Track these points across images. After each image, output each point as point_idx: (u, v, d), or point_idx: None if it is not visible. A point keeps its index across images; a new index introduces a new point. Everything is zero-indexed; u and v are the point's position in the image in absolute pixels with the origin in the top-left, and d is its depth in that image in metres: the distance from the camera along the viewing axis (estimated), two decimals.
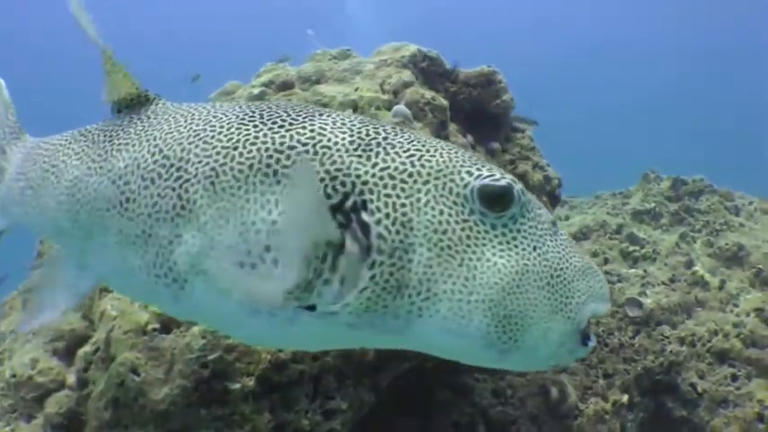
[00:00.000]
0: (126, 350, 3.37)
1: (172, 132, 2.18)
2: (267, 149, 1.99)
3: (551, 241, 1.97)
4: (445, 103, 4.34)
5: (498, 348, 1.89)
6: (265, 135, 2.03)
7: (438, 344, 1.95)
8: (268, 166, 1.97)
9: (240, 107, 2.20)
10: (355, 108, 4.21)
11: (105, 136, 2.36)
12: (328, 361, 3.48)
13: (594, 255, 6.34)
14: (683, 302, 5.54)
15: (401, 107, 4.00)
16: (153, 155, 2.15)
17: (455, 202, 1.90)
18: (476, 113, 5.04)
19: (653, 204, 6.97)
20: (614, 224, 6.71)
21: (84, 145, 2.40)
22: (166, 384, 3.26)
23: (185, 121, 2.19)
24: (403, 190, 1.91)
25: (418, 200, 1.91)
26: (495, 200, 1.90)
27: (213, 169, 2.01)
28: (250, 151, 2.00)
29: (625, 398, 5.04)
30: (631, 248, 6.34)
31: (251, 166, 1.98)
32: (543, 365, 2.02)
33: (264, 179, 1.96)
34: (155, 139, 2.18)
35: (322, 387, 3.46)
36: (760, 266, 6.00)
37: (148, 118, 2.32)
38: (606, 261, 6.29)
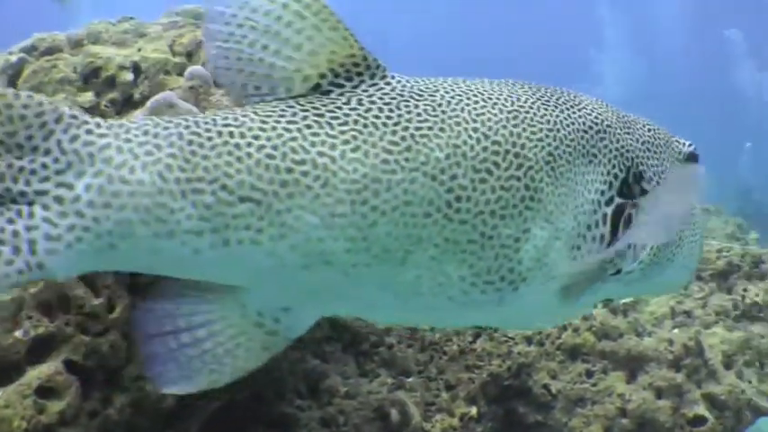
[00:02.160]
0: None
1: (482, 113, 1.94)
2: (578, 130, 2.08)
3: None
4: None
5: (691, 273, 2.59)
6: (571, 117, 2.10)
7: (668, 282, 2.51)
8: (583, 147, 2.07)
9: (513, 86, 2.11)
10: (138, 72, 3.26)
11: (376, 117, 1.84)
12: (111, 415, 2.72)
13: None
14: None
15: (198, 68, 3.12)
16: (478, 141, 1.88)
17: (676, 163, 2.41)
18: None
19: None
20: None
21: (352, 129, 1.81)
22: None
23: (477, 100, 1.97)
24: (656, 157, 2.33)
25: (664, 163, 2.36)
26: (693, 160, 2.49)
27: (550, 153, 1.98)
28: (569, 133, 2.05)
29: (473, 410, 4.43)
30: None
31: (575, 148, 2.04)
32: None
33: (583, 160, 2.06)
34: (466, 122, 1.89)
35: None
36: None
37: (405, 92, 1.93)
38: None
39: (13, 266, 1.62)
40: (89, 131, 1.71)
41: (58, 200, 1.66)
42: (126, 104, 3.27)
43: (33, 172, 1.66)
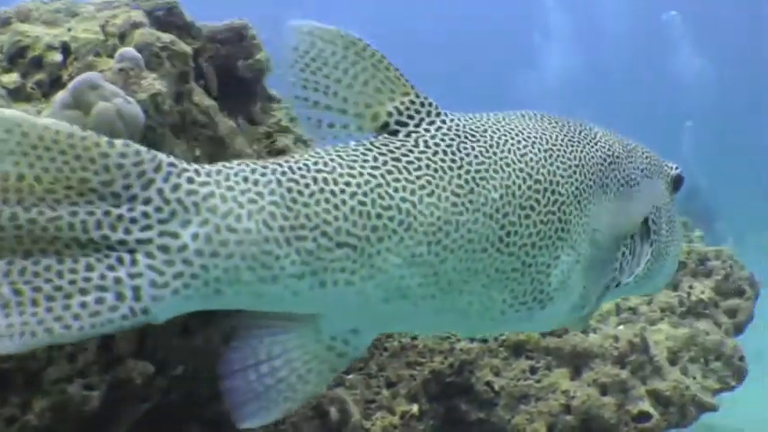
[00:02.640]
0: None
1: (525, 153, 2.16)
2: (597, 164, 2.35)
3: None
4: (187, 49, 3.27)
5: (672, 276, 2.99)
6: (591, 151, 2.36)
7: (653, 286, 2.87)
8: (600, 179, 2.34)
9: (542, 122, 2.36)
10: (68, 52, 3.07)
11: (443, 161, 2.01)
12: (30, 421, 2.58)
13: None
14: None
15: (129, 50, 2.93)
16: (524, 180, 2.11)
17: (667, 187, 2.76)
18: (225, 76, 3.99)
19: None
20: None
21: (426, 174, 1.97)
22: None
23: (520, 140, 2.18)
24: (651, 183, 2.61)
25: (658, 188, 2.66)
26: (678, 184, 2.84)
27: (577, 188, 2.23)
28: (591, 167, 2.31)
29: (414, 408, 4.33)
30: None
31: (594, 181, 2.30)
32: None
33: (599, 190, 2.33)
34: (513, 163, 2.11)
35: None
36: None
37: (461, 133, 2.10)
38: None
39: (117, 312, 1.62)
40: (190, 180, 1.73)
41: (164, 249, 1.67)
42: (53, 86, 3.06)
43: (134, 221, 1.66)
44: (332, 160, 1.89)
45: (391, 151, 1.97)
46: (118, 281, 1.62)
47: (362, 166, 1.90)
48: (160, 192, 1.68)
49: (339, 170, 1.86)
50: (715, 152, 27.33)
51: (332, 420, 4.13)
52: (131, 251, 1.64)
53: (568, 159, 2.24)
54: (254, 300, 1.80)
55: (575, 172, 2.24)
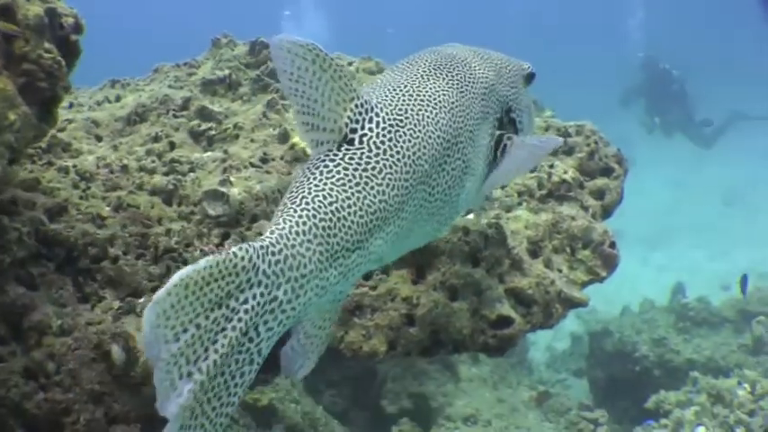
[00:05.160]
0: None
1: (438, 122, 2.68)
2: (479, 102, 2.95)
3: None
4: None
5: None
6: (475, 94, 2.95)
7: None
8: (483, 112, 2.96)
9: (438, 76, 2.88)
10: None
11: (392, 156, 2.51)
12: None
13: (156, 139, 4.54)
14: (282, 186, 3.99)
15: None
16: (440, 144, 2.67)
17: (523, 83, 3.35)
18: None
19: (227, 71, 5.30)
20: (179, 98, 4.94)
21: (386, 174, 2.49)
22: None
23: (430, 108, 2.69)
24: (516, 89, 3.24)
25: (519, 88, 3.28)
26: (531, 79, 3.40)
27: (471, 130, 2.83)
28: (476, 107, 2.91)
29: None
30: (204, 126, 4.64)
31: (479, 117, 2.93)
32: None
33: (483, 120, 2.97)
34: (432, 134, 2.64)
35: None
36: None
37: (393, 124, 2.56)
38: (172, 146, 4.52)
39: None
40: (273, 253, 2.16)
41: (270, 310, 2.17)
42: None
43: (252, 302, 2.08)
44: (332, 190, 2.33)
45: (359, 164, 2.41)
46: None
47: (352, 188, 2.37)
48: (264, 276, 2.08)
49: (341, 196, 2.33)
50: None
51: (116, 362, 3.24)
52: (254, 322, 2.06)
53: (463, 111, 2.80)
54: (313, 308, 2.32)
55: (468, 118, 2.82)
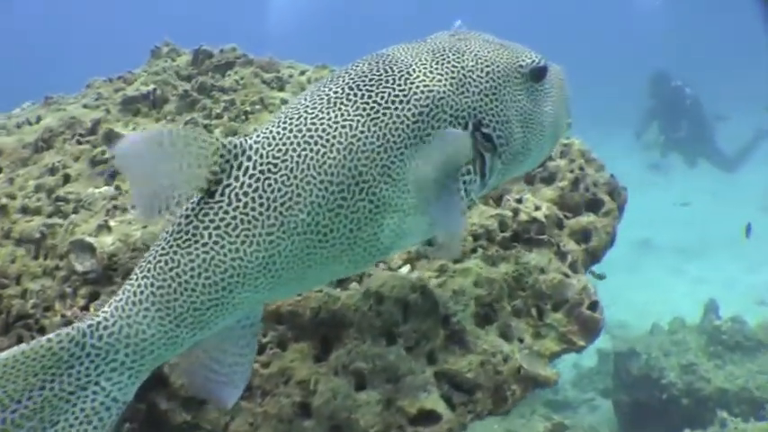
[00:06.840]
0: None
1: (324, 162, 2.35)
2: (408, 127, 2.45)
3: None
4: None
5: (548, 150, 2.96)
6: (399, 117, 2.45)
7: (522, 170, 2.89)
8: (414, 137, 2.44)
9: (347, 102, 2.45)
10: None
11: (252, 209, 2.35)
12: None
13: (53, 170, 3.82)
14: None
15: None
16: (326, 188, 2.35)
17: (522, 82, 2.69)
18: None
19: (151, 86, 4.54)
20: (89, 121, 4.20)
21: (242, 231, 2.35)
22: None
23: (318, 149, 2.37)
24: (494, 97, 2.59)
25: (504, 95, 2.61)
26: (539, 73, 2.72)
27: (385, 164, 2.38)
28: (401, 134, 2.43)
29: None
30: (109, 154, 3.91)
31: (406, 146, 2.43)
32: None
33: (416, 147, 2.45)
34: (314, 177, 2.34)
35: None
36: None
37: (264, 170, 2.36)
38: (66, 179, 3.79)
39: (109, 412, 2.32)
40: (105, 327, 2.33)
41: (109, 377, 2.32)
42: None
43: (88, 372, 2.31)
44: (175, 254, 2.31)
45: (212, 222, 2.30)
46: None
47: (198, 249, 2.30)
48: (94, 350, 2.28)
49: (183, 260, 2.30)
50: None
51: None
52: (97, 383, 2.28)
53: (373, 143, 2.37)
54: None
55: (383, 150, 2.38)
